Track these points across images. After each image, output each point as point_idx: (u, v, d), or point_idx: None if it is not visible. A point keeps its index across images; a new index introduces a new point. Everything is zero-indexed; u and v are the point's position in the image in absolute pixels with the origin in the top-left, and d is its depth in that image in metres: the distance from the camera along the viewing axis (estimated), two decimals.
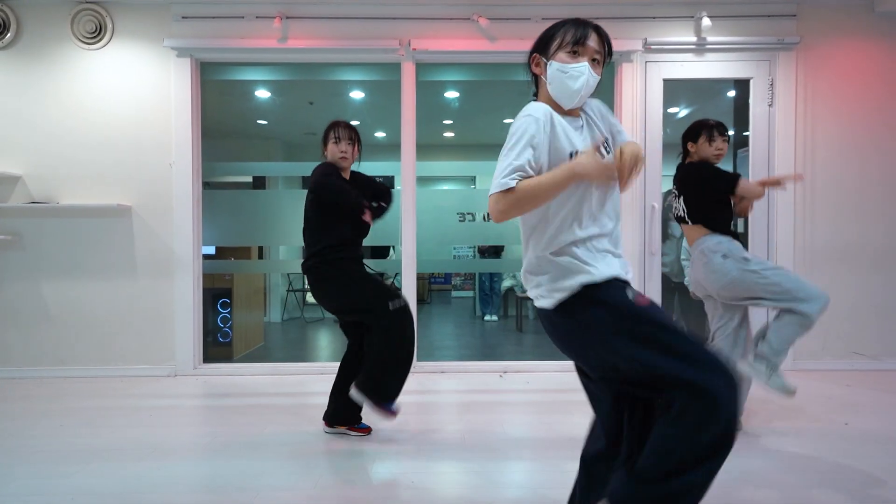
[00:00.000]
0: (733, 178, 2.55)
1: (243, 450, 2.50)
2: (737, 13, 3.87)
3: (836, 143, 3.93)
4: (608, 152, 1.45)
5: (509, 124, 1.42)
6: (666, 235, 5.10)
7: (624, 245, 1.48)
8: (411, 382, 2.67)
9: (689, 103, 5.74)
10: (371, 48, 3.87)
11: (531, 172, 1.35)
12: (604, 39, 1.46)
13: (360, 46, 3.86)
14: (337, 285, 2.57)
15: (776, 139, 3.91)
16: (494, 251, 6.77)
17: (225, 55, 3.93)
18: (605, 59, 1.47)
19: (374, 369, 2.49)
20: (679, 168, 2.72)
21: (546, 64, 1.44)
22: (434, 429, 2.79)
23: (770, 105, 3.93)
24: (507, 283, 7.35)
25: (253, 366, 4.15)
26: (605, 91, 4.18)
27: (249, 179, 7.11)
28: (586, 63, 1.41)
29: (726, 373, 1.24)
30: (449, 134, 7.41)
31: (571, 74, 1.40)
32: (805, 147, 3.93)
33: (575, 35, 1.42)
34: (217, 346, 4.80)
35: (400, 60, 3.92)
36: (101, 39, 3.84)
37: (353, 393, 2.49)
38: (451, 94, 4.91)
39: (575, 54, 1.42)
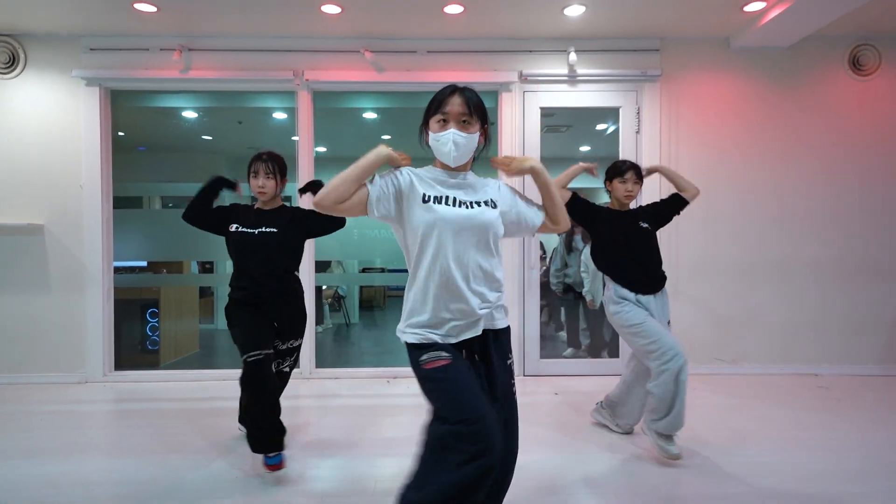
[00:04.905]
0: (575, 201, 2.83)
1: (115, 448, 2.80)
2: (605, 47, 4.22)
3: (695, 166, 4.28)
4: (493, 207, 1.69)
5: None
6: (570, 248, 5.41)
7: (503, 260, 1.82)
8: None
9: (615, 119, 6.00)
10: (268, 78, 4.18)
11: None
12: (467, 100, 1.62)
13: (258, 77, 4.17)
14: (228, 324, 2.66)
15: (642, 163, 4.24)
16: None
17: (131, 84, 4.22)
18: (474, 116, 1.64)
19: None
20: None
21: (429, 135, 1.68)
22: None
23: (637, 132, 4.28)
24: None
25: (157, 373, 4.43)
26: (489, 117, 4.50)
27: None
28: (451, 130, 1.61)
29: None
30: None
31: (442, 141, 1.63)
32: None
33: (437, 101, 1.63)
34: (146, 354, 5.07)
35: (296, 90, 4.23)
36: (14, 69, 4.12)
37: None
38: (370, 116, 5.23)
39: (443, 122, 1.62)
